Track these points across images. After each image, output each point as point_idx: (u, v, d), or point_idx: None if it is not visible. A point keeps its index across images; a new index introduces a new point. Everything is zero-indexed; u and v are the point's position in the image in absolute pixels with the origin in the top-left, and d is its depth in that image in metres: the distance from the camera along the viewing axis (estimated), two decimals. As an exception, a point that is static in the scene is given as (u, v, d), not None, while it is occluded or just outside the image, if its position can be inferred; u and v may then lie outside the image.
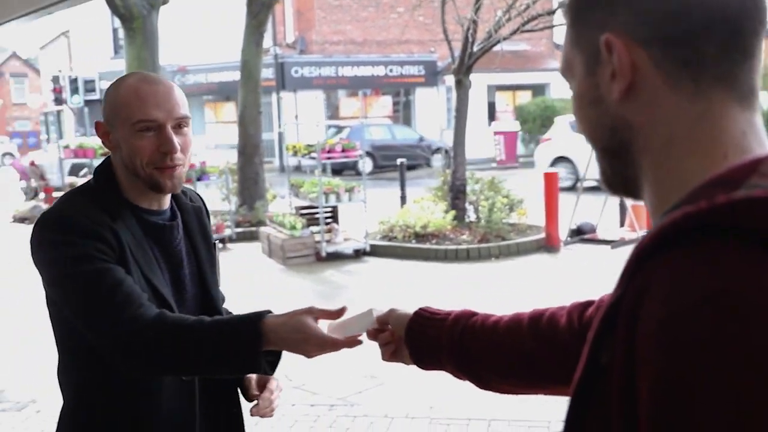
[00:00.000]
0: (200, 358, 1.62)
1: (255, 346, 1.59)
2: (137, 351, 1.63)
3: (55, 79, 26.09)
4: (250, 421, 5.21)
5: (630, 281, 0.80)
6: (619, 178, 0.93)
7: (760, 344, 0.68)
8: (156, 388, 1.81)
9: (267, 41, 15.95)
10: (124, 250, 1.73)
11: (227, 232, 12.28)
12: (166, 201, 1.91)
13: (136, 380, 1.79)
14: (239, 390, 2.08)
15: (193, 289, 1.91)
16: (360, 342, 1.61)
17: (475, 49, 11.06)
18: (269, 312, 1.65)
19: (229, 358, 1.61)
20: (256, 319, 1.61)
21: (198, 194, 2.10)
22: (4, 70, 55.74)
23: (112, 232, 1.72)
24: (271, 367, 1.70)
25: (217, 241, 2.14)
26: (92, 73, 31.13)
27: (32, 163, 13.99)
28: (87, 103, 29.52)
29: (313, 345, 1.58)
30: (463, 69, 11.20)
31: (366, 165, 11.35)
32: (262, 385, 2.00)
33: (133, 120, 1.74)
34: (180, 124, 1.79)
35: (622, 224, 11.46)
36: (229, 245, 12.10)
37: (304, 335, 1.59)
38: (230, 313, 2.07)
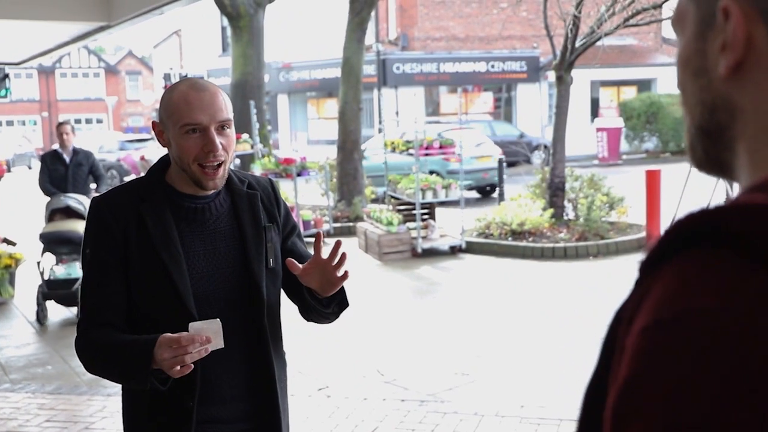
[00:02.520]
0: (109, 374, 2.07)
1: (145, 367, 1.90)
2: (79, 356, 2.07)
3: (166, 76, 27.07)
4: (341, 413, 5.32)
5: (637, 287, 0.76)
6: (710, 161, 0.83)
7: (715, 370, 0.65)
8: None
9: (369, 38, 16.13)
10: (130, 231, 2.04)
11: (325, 227, 12.48)
12: (210, 191, 2.12)
13: None
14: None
15: (232, 266, 2.10)
16: (207, 340, 1.89)
17: (577, 44, 10.88)
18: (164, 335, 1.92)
19: (126, 375, 1.98)
20: (151, 344, 1.89)
21: (269, 181, 2.29)
22: (120, 68, 58.11)
23: (134, 213, 2.05)
24: (162, 384, 1.95)
25: (299, 230, 2.34)
26: (201, 70, 32.10)
27: (143, 158, 14.54)
28: (195, 99, 30.45)
29: (163, 345, 1.87)
30: (565, 65, 11.04)
31: (463, 162, 11.29)
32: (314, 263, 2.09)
33: (181, 123, 2.00)
34: (223, 126, 2.03)
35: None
36: (326, 240, 12.30)
37: (159, 343, 1.88)
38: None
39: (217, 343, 1.93)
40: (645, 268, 0.76)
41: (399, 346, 6.82)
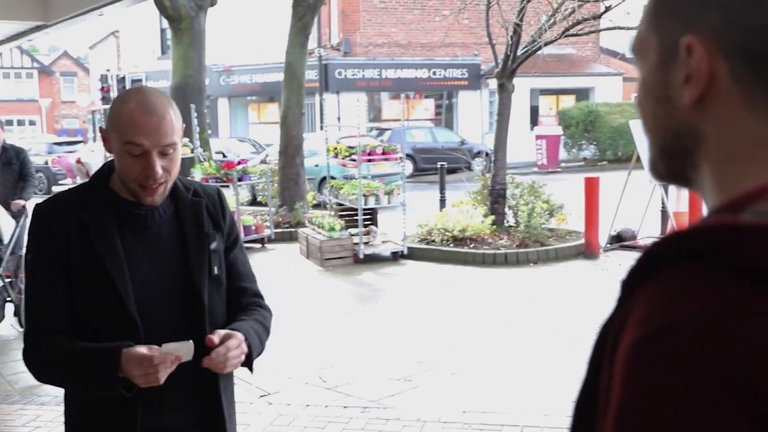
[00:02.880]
0: (67, 383, 2.07)
1: (111, 375, 1.90)
2: (29, 366, 2.05)
3: (104, 78, 26.50)
4: (283, 419, 5.25)
5: (621, 305, 0.81)
6: (673, 176, 0.89)
7: (705, 378, 0.68)
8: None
9: (311, 43, 16.06)
10: (72, 238, 2.01)
11: (266, 232, 12.37)
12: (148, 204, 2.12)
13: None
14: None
15: (174, 273, 2.09)
16: (176, 359, 1.90)
17: (518, 53, 11.01)
18: (129, 345, 1.92)
19: (92, 383, 1.98)
20: (117, 352, 1.90)
21: (216, 190, 2.28)
22: (54, 69, 56.83)
23: (76, 219, 2.02)
24: (128, 390, 1.93)
25: (239, 237, 2.31)
26: (139, 72, 31.58)
27: (78, 161, 14.23)
28: (134, 101, 29.95)
29: (134, 361, 1.87)
30: (506, 73, 11.15)
31: (404, 168, 11.34)
32: (223, 342, 2.03)
33: (124, 140, 1.98)
34: (165, 151, 2.00)
35: (663, 231, 11.31)
36: (268, 245, 12.20)
37: (128, 357, 1.89)
38: (259, 306, 2.26)
39: (188, 357, 1.95)
40: (627, 285, 0.80)
41: (341, 352, 6.78)
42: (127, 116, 1.97)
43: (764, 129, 0.80)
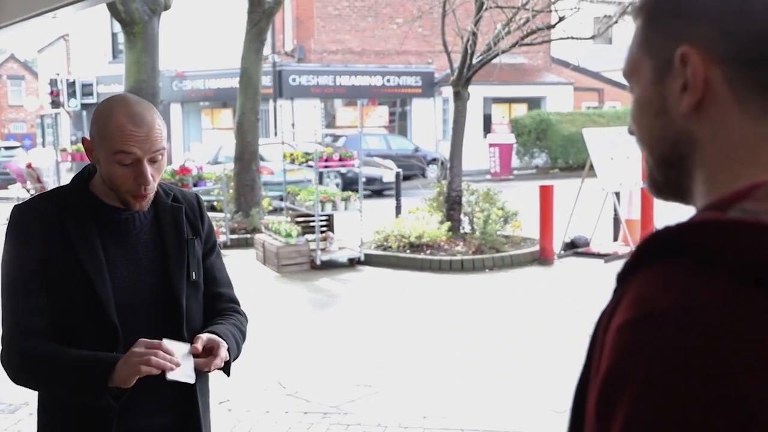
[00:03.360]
0: (53, 387, 2.03)
1: (102, 384, 1.91)
2: (7, 368, 2.02)
3: (53, 83, 26.06)
4: (243, 426, 5.22)
5: (613, 295, 0.86)
6: (670, 187, 0.94)
7: (678, 364, 0.74)
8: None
9: (265, 49, 15.99)
10: (52, 241, 2.00)
11: (222, 238, 12.29)
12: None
13: (97, 346, 2.00)
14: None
15: (153, 278, 2.10)
16: (176, 364, 1.93)
17: (474, 61, 11.12)
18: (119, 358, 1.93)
19: (79, 391, 1.96)
20: (111, 361, 1.92)
21: (195, 196, 2.30)
22: (1, 72, 55.66)
23: (56, 222, 2.01)
24: (115, 399, 1.94)
25: (217, 242, 2.35)
26: (90, 77, 31.12)
27: (29, 166, 13.98)
28: (84, 106, 29.51)
29: (133, 352, 1.90)
30: (462, 81, 11.25)
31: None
32: (209, 350, 2.05)
33: (114, 150, 1.98)
34: (154, 158, 2.01)
35: (615, 238, 11.51)
36: (224, 251, 12.08)
37: (132, 349, 1.92)
38: (235, 312, 2.31)
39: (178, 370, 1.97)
40: (621, 277, 0.86)
41: (300, 358, 6.77)
42: (117, 128, 1.97)
43: (758, 130, 0.85)
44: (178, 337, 2.06)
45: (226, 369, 2.12)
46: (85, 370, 1.93)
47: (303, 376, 6.27)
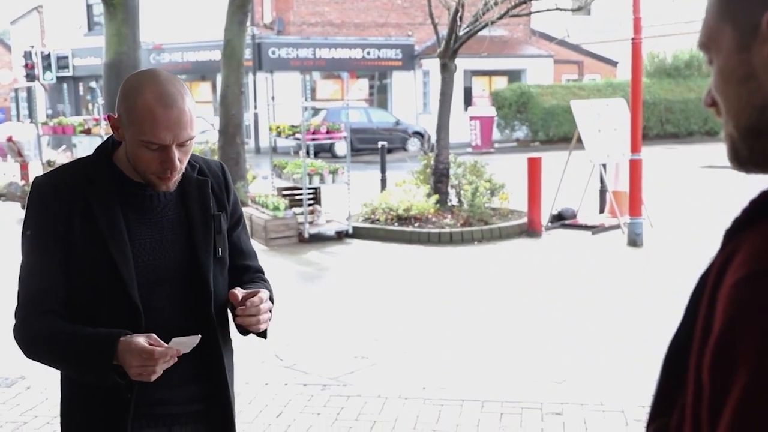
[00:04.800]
0: (60, 365, 2.01)
1: (106, 362, 1.87)
2: (20, 343, 1.99)
3: (27, 55, 25.67)
4: (243, 398, 5.22)
5: (721, 251, 0.85)
6: (755, 158, 0.91)
7: None
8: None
9: (246, 21, 15.81)
10: (74, 217, 1.95)
11: (208, 212, 12.20)
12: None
13: (119, 325, 1.95)
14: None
15: (178, 255, 2.05)
16: (177, 353, 1.87)
17: (461, 32, 11.07)
18: (127, 333, 1.88)
19: (84, 369, 1.93)
20: (113, 340, 1.86)
21: (220, 166, 2.23)
22: (-28, 45, 54.70)
23: (79, 197, 1.96)
24: (122, 378, 1.89)
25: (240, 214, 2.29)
26: (65, 49, 30.69)
27: (9, 139, 13.80)
28: (60, 79, 29.11)
29: (133, 352, 1.82)
30: (449, 52, 11.20)
31: (344, 147, 11.37)
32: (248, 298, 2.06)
33: (143, 137, 1.91)
34: (183, 144, 1.95)
35: (602, 210, 11.57)
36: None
37: (127, 346, 1.84)
38: (261, 281, 2.28)
39: (186, 351, 1.92)
40: (730, 233, 0.85)
41: (294, 331, 6.76)
42: (146, 110, 1.89)
43: None
44: (205, 314, 2.05)
45: (263, 331, 2.13)
46: (88, 347, 1.90)
47: (299, 349, 6.27)
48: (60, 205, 1.96)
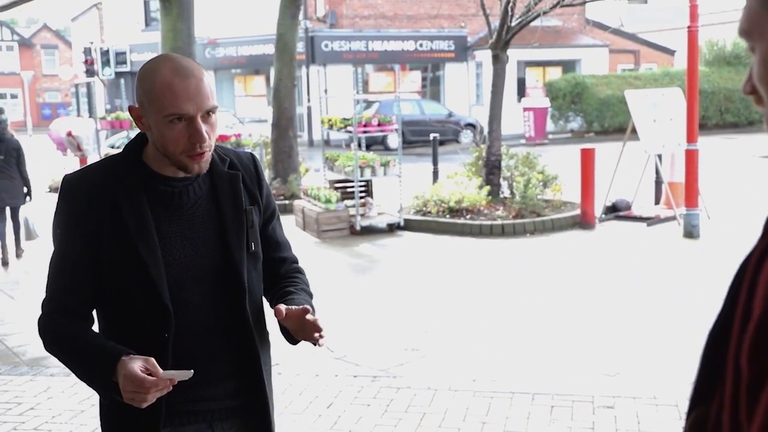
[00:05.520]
0: (68, 367, 1.99)
1: (106, 378, 1.85)
2: (39, 334, 2.00)
3: (87, 51, 26.18)
4: (294, 389, 5.27)
5: (762, 238, 0.85)
6: None
7: None
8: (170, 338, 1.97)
9: (299, 14, 15.92)
10: (104, 217, 1.94)
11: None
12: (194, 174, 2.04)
13: (149, 326, 1.96)
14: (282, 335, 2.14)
15: (211, 251, 2.02)
16: (171, 382, 1.82)
17: (513, 23, 10.98)
18: (130, 353, 1.86)
19: (87, 380, 1.94)
20: (116, 359, 1.84)
21: (251, 158, 2.20)
22: (35, 42, 56.07)
23: (108, 196, 1.94)
24: (119, 394, 1.86)
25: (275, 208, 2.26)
26: (123, 45, 31.25)
27: (69, 134, 14.12)
28: (118, 74, 29.65)
29: (126, 378, 1.79)
30: (501, 44, 11.12)
31: (396, 140, 11.35)
32: (296, 317, 2.02)
33: (166, 113, 1.88)
34: (208, 113, 1.92)
35: (657, 201, 11.39)
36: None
37: (123, 370, 1.81)
38: (297, 272, 2.27)
39: (183, 379, 1.89)
40: None
41: (345, 323, 6.80)
42: (165, 86, 1.87)
43: None
44: (239, 310, 2.04)
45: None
46: (92, 359, 1.89)
47: (350, 341, 6.31)
48: (88, 204, 1.94)
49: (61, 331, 1.96)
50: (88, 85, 27.54)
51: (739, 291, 0.86)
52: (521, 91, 27.89)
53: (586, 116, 26.75)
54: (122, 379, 1.79)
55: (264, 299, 2.21)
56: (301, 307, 2.01)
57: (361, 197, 10.96)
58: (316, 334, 2.00)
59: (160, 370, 1.81)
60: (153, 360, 1.82)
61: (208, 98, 1.90)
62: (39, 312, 2.01)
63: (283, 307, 1.99)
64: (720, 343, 0.90)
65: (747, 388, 0.79)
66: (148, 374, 1.80)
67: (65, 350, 1.97)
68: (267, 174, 13.47)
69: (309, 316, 1.99)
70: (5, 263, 9.59)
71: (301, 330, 2.02)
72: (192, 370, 1.86)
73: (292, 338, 2.09)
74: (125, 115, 13.31)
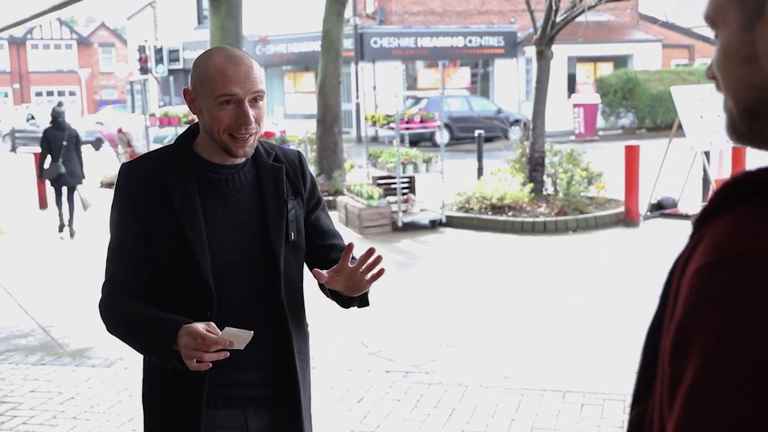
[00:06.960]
0: (130, 343, 2.11)
1: (167, 346, 1.95)
2: (102, 317, 2.13)
3: (141, 49, 26.64)
4: (326, 383, 5.34)
5: (690, 240, 0.86)
6: (752, 134, 0.91)
7: (758, 309, 0.73)
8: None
9: (347, 12, 16.02)
10: (155, 201, 2.07)
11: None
12: (240, 158, 2.15)
13: (194, 306, 2.05)
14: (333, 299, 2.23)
15: (252, 237, 2.13)
16: (229, 344, 1.90)
17: (558, 19, 10.90)
18: (190, 321, 1.94)
19: (148, 351, 2.07)
20: (176, 327, 1.94)
21: (297, 155, 2.30)
22: (92, 40, 57.27)
23: (160, 182, 2.08)
24: (181, 363, 1.95)
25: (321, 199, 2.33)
26: (176, 43, 31.72)
27: (120, 130, 14.43)
28: (171, 72, 30.13)
29: (190, 335, 1.89)
30: (545, 39, 11.05)
31: (443, 136, 11.35)
32: (340, 269, 2.06)
33: (216, 94, 2.01)
34: (256, 98, 2.04)
35: (704, 200, 11.19)
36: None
37: (186, 330, 1.91)
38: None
39: (239, 347, 1.95)
40: (698, 222, 0.86)
41: (382, 318, 6.85)
42: (217, 70, 2.01)
43: None
44: (275, 295, 2.11)
45: (364, 299, 2.17)
46: (153, 329, 2.00)
47: (385, 336, 6.36)
48: (141, 191, 2.08)
49: (124, 309, 2.09)
50: (143, 83, 28.07)
51: (669, 291, 0.88)
52: (571, 87, 27.60)
53: (637, 112, 26.37)
54: (184, 337, 1.90)
55: (305, 292, 2.28)
56: (341, 258, 2.06)
57: (404, 193, 10.99)
58: (370, 272, 2.03)
59: (220, 332, 1.91)
60: (214, 324, 1.93)
61: (257, 83, 2.04)
62: (99, 296, 2.13)
63: (322, 271, 2.05)
64: (655, 341, 0.92)
65: (668, 388, 0.81)
66: None
67: (129, 325, 2.09)
68: (312, 170, 13.58)
69: (351, 260, 2.04)
70: (62, 228, 11.20)
71: (351, 281, 2.05)
72: (252, 331, 1.94)
73: (346, 300, 2.17)
74: (174, 111, 13.54)
